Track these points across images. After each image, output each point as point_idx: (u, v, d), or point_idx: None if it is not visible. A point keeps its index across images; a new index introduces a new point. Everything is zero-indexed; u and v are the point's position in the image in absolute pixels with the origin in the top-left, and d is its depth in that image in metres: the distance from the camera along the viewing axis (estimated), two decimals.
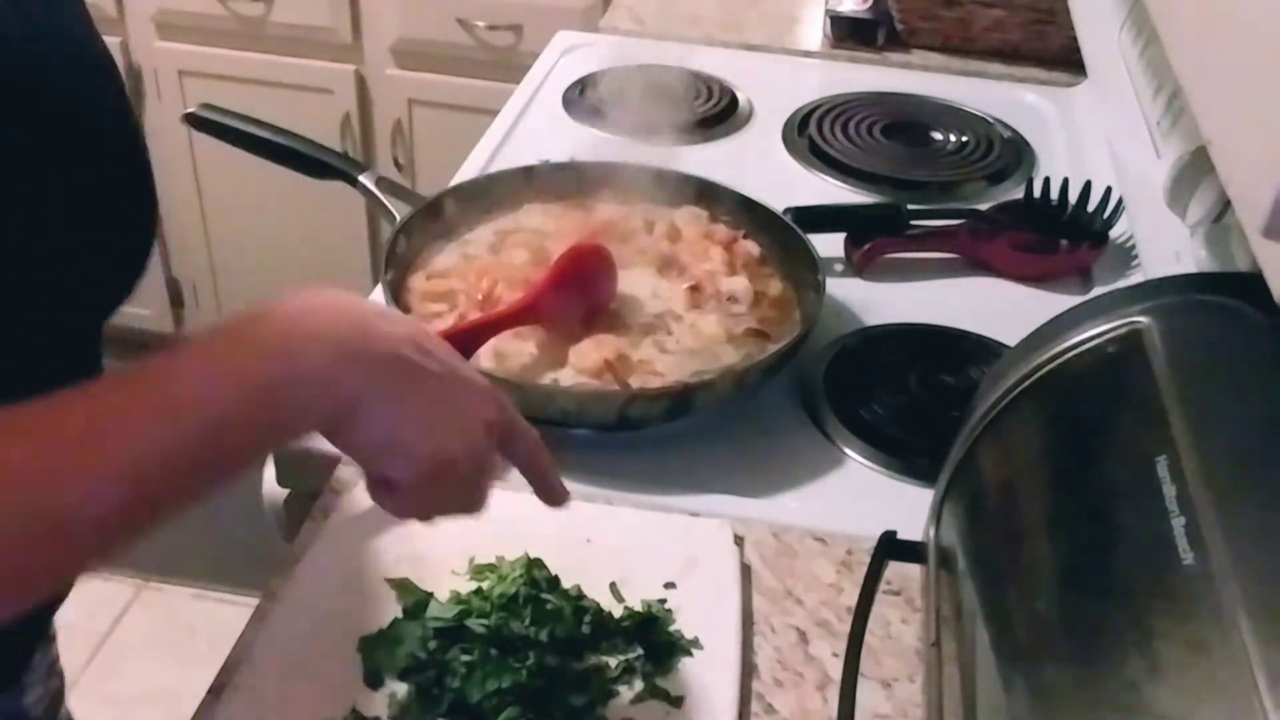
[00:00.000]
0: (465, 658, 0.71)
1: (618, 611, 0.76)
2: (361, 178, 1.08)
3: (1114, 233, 1.15)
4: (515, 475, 0.87)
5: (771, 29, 1.65)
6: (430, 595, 0.76)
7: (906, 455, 0.90)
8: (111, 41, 2.26)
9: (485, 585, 0.77)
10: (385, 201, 1.06)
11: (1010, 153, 1.35)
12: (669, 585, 0.79)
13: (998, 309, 1.08)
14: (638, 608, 0.76)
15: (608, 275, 0.98)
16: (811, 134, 1.36)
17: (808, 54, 1.60)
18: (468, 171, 1.24)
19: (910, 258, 1.15)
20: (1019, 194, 1.21)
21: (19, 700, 0.74)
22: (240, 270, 2.39)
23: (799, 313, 1.00)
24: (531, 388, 0.90)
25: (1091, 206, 1.15)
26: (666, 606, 0.77)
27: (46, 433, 0.48)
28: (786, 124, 1.40)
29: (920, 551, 0.72)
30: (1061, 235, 1.15)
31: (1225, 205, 0.83)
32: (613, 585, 0.78)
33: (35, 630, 0.74)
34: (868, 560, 0.72)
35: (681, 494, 0.86)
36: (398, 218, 1.04)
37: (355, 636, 0.73)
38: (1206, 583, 0.46)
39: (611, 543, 0.81)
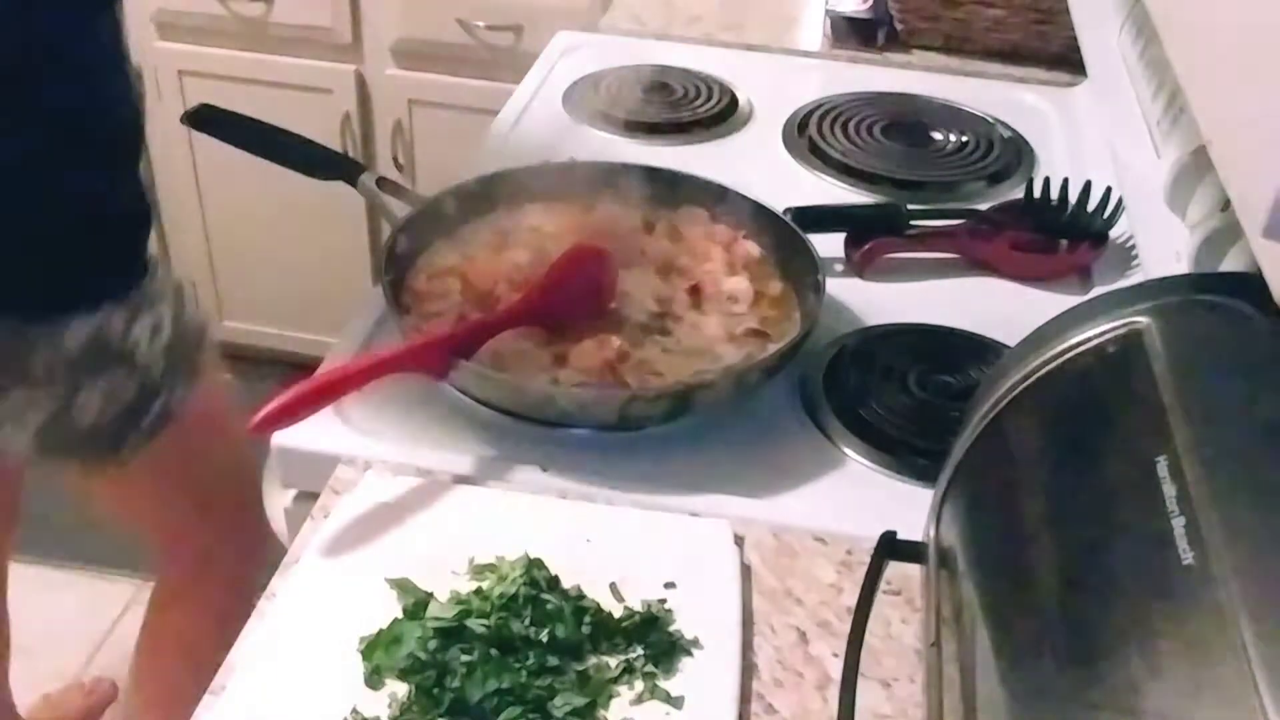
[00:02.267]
0: (465, 658, 0.71)
1: (618, 611, 0.76)
2: (362, 178, 1.08)
3: (1114, 233, 1.15)
4: (514, 475, 0.88)
5: (771, 29, 1.65)
6: (430, 595, 0.76)
7: (906, 455, 0.90)
8: None
9: (485, 585, 0.77)
10: (385, 201, 1.06)
11: (1010, 153, 1.35)
12: (669, 585, 0.78)
13: (998, 309, 1.08)
14: (638, 608, 0.76)
15: (608, 275, 0.98)
16: (811, 134, 1.36)
17: (808, 54, 1.60)
18: (468, 172, 1.24)
19: (910, 258, 1.15)
20: (1019, 194, 1.21)
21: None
22: (240, 271, 2.39)
23: (799, 313, 1.00)
24: (531, 388, 0.90)
25: (1091, 206, 1.15)
26: (666, 606, 0.77)
27: None
28: (786, 124, 1.40)
29: (920, 551, 0.72)
30: (1061, 235, 1.15)
31: (1225, 205, 0.83)
32: (613, 585, 0.78)
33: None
34: (868, 560, 0.72)
35: (681, 494, 0.86)
36: (398, 218, 1.04)
37: (355, 636, 0.73)
38: (1206, 583, 0.46)
39: (611, 543, 0.82)
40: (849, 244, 1.13)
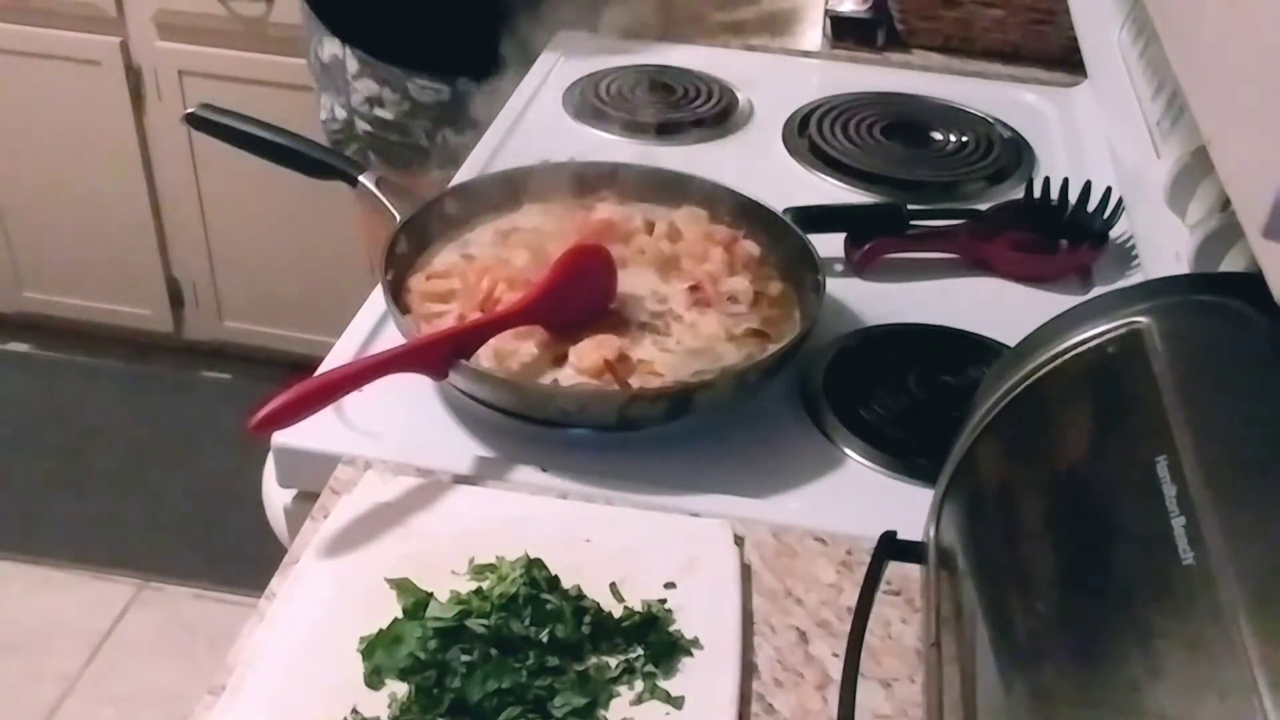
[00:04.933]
0: (465, 658, 0.71)
1: (618, 611, 0.76)
2: (362, 178, 1.08)
3: (1114, 233, 1.15)
4: (514, 475, 0.88)
5: (771, 29, 1.65)
6: (430, 595, 0.76)
7: (906, 455, 0.90)
8: (111, 41, 2.27)
9: (485, 585, 0.77)
10: (385, 201, 1.06)
11: (1010, 153, 1.35)
12: (669, 585, 0.78)
13: (998, 309, 1.08)
14: (638, 608, 0.76)
15: (608, 275, 0.98)
16: (811, 134, 1.36)
17: (808, 54, 1.60)
18: (468, 171, 1.24)
19: (910, 258, 1.15)
20: (1019, 194, 1.21)
21: None
22: (240, 270, 2.39)
23: (799, 313, 1.00)
24: (531, 388, 0.90)
25: (1091, 206, 1.15)
26: (666, 606, 0.77)
27: None
28: (786, 124, 1.40)
29: (920, 551, 0.72)
30: (1061, 235, 1.15)
31: (1225, 205, 0.83)
32: (613, 585, 0.78)
33: None
34: (868, 560, 0.72)
35: (681, 494, 0.86)
36: (398, 218, 1.04)
37: (355, 636, 0.73)
38: (1206, 583, 0.46)
39: (611, 543, 0.82)
40: (849, 244, 1.13)
